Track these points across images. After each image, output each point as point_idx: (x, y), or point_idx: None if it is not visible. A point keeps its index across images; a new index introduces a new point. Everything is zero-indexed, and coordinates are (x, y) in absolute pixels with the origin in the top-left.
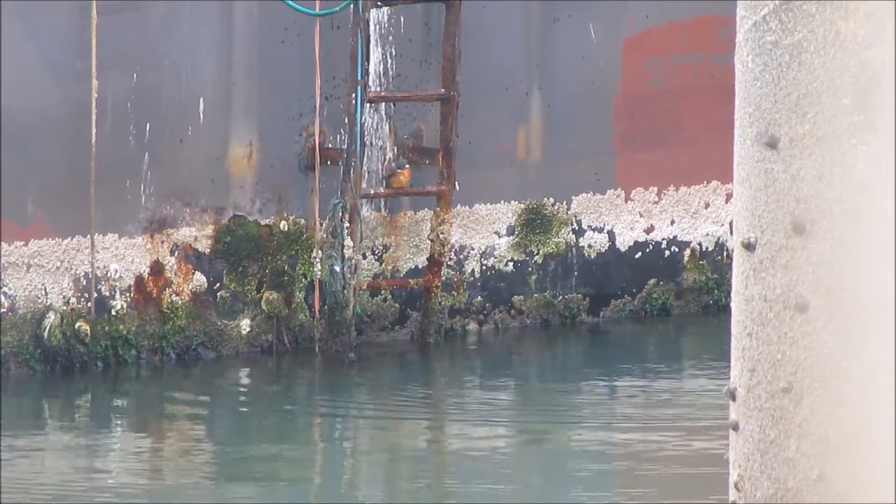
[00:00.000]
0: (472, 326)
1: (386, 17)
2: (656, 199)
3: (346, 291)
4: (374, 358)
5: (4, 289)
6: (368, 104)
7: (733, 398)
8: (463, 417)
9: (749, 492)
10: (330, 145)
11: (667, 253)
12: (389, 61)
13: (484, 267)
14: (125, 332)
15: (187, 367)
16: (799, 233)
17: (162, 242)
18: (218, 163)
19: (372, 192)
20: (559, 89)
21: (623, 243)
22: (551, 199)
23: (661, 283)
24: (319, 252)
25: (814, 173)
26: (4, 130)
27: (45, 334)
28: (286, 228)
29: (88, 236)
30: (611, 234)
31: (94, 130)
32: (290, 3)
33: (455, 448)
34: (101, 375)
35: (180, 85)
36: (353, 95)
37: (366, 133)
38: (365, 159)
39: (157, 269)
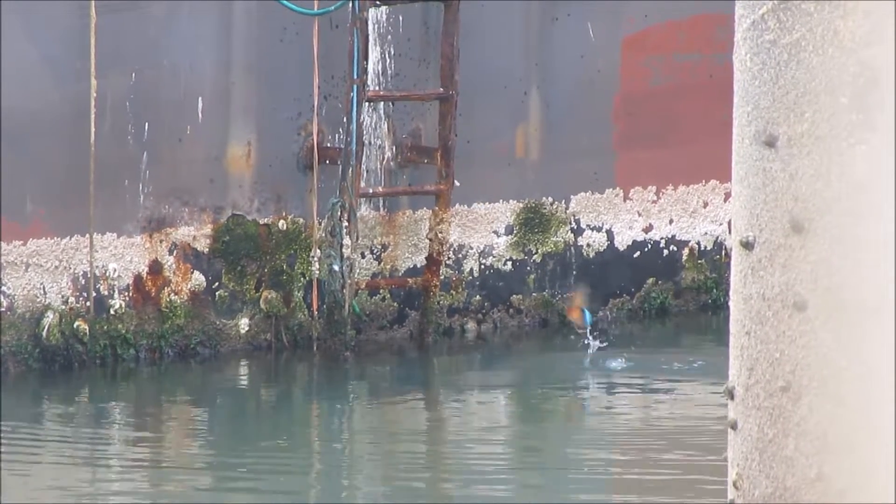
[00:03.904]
0: (471, 325)
1: (384, 17)
2: (655, 198)
3: (344, 290)
4: (371, 356)
5: (3, 288)
6: (367, 103)
7: (732, 397)
8: (461, 415)
9: (747, 490)
10: (328, 144)
11: (665, 252)
12: (388, 60)
13: (482, 266)
14: (124, 332)
15: (186, 366)
16: (797, 231)
17: (160, 242)
18: (216, 162)
19: (370, 191)
20: (558, 88)
21: (621, 242)
22: (550, 199)
23: (660, 282)
24: (318, 251)
25: (812, 172)
26: (4, 129)
27: (44, 333)
28: (285, 228)
29: (87, 235)
30: (609, 234)
31: (92, 130)
32: (286, 3)
33: (454, 447)
34: (100, 374)
35: (179, 84)
36: (351, 94)
37: (364, 132)
38: (363, 158)
39: (155, 268)
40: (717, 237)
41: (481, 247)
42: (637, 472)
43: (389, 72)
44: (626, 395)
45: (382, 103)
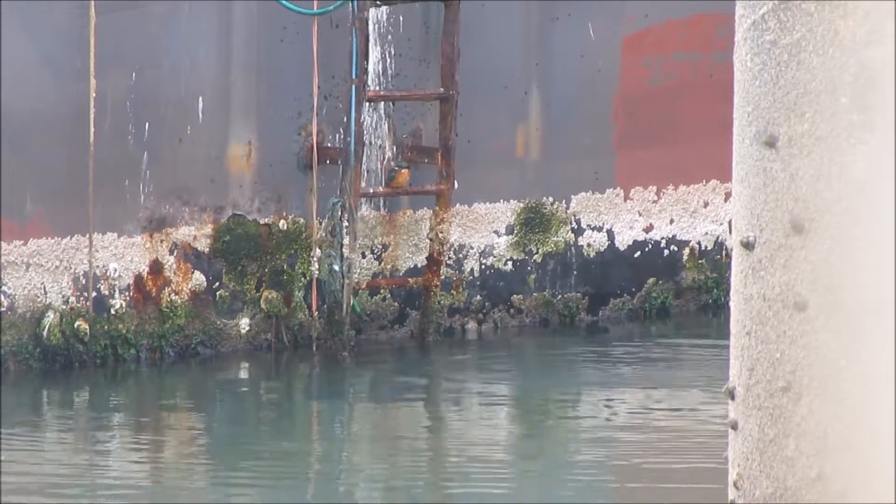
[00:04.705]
0: (472, 325)
1: (385, 17)
2: (655, 198)
3: (344, 290)
4: (371, 356)
5: (4, 288)
6: (367, 103)
7: (732, 397)
8: (462, 416)
9: (748, 491)
10: (329, 144)
11: (666, 252)
12: (388, 60)
13: (483, 266)
14: (124, 331)
15: (186, 365)
16: (798, 232)
17: (161, 241)
18: (217, 162)
19: (371, 191)
20: (558, 88)
21: (622, 242)
22: (550, 199)
23: (661, 282)
24: (318, 251)
25: (812, 172)
26: (3, 129)
27: (45, 333)
28: (285, 227)
29: (87, 235)
30: (610, 234)
31: (91, 130)
32: (286, 3)
33: (455, 448)
34: (101, 374)
35: (179, 84)
36: (351, 94)
37: (365, 132)
38: (364, 158)
39: (156, 268)
40: (718, 237)
41: (482, 247)
42: (639, 474)
43: (390, 72)
44: (627, 395)
45: (383, 103)
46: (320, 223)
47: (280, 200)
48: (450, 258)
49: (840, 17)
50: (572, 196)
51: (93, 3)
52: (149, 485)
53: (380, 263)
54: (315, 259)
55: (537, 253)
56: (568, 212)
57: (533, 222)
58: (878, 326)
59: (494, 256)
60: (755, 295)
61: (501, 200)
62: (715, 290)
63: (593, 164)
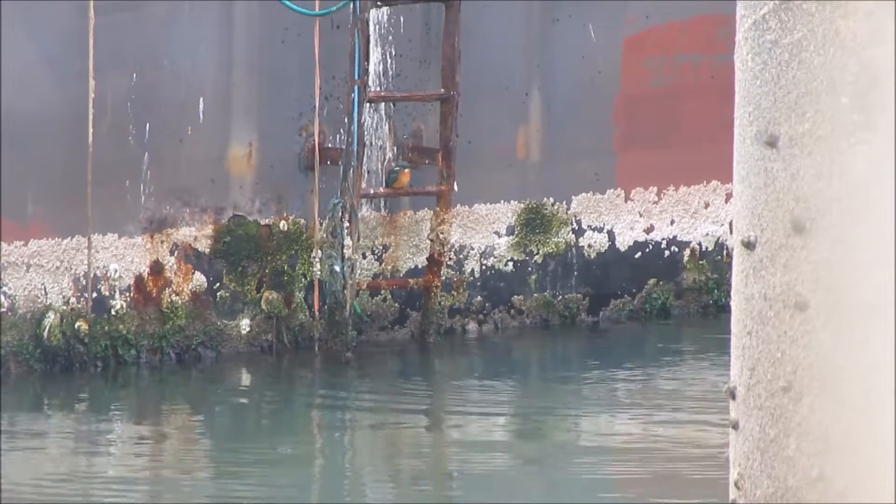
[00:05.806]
0: (472, 326)
1: (385, 17)
2: (656, 198)
3: (345, 291)
4: (372, 357)
5: (4, 288)
6: (368, 104)
7: (733, 397)
8: (463, 419)
9: (749, 490)
10: (330, 145)
11: (666, 253)
12: (389, 61)
13: (484, 267)
14: (125, 332)
15: (187, 366)
16: (799, 231)
17: (162, 242)
18: (218, 163)
19: (371, 191)
20: (559, 89)
21: (623, 243)
22: (551, 199)
23: (661, 282)
24: (319, 252)
25: (813, 172)
26: (4, 130)
27: (45, 334)
28: (286, 228)
29: (88, 236)
30: (610, 234)
31: (90, 131)
32: (288, 3)
33: (456, 451)
34: (101, 375)
35: (180, 85)
36: (352, 95)
37: (365, 133)
38: (364, 159)
39: (156, 268)
40: (719, 238)
41: (482, 247)
42: (640, 476)
43: (390, 72)
44: (627, 395)
45: (383, 104)
46: (321, 224)
47: (281, 201)
48: (450, 259)
49: (841, 17)
50: (573, 197)
51: (92, 3)
52: (149, 485)
53: (380, 264)
54: (316, 260)
55: (538, 254)
56: (569, 212)
57: (533, 223)
58: (879, 326)
59: (495, 257)
60: (756, 295)
61: (502, 201)
62: (716, 291)
63: (594, 164)
